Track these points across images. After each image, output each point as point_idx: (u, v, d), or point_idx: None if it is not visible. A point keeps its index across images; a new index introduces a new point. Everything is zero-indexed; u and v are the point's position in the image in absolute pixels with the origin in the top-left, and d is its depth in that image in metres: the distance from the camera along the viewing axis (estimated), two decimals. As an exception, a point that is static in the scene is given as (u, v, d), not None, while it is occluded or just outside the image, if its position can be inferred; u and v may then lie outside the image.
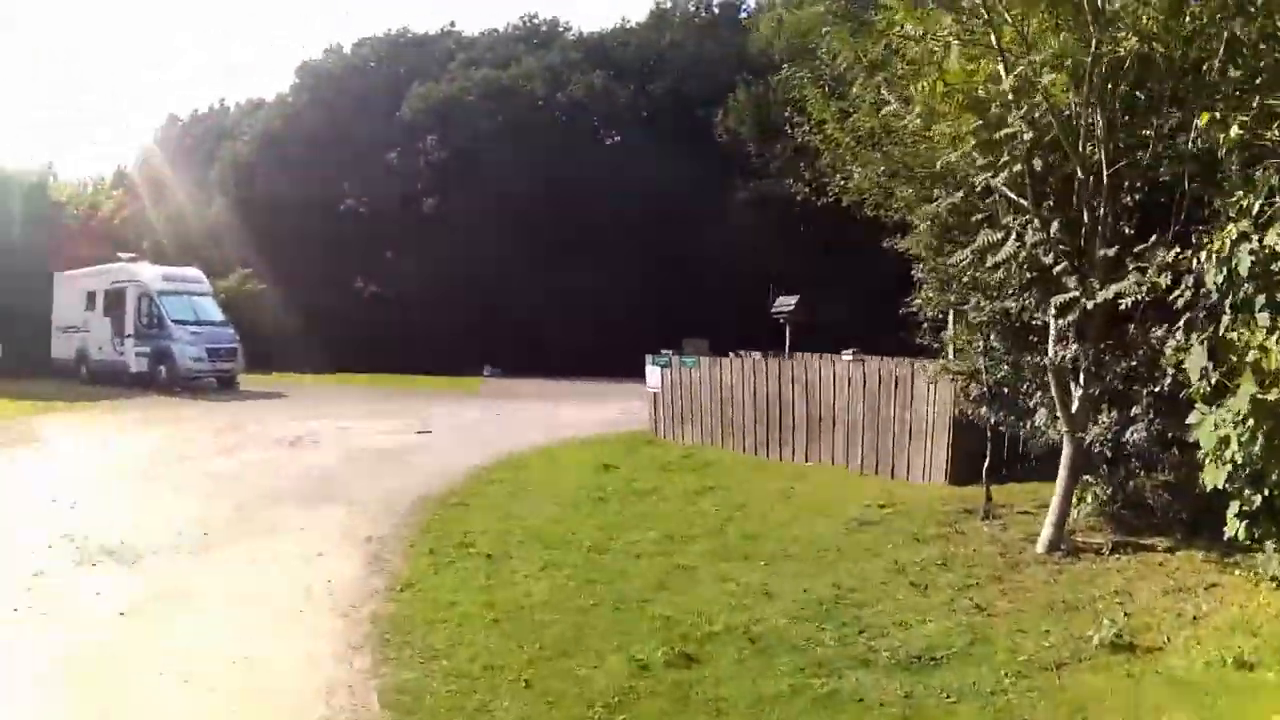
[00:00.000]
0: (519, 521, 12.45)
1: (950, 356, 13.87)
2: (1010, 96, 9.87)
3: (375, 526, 12.16)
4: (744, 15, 53.68)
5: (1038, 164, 10.24)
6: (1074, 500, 10.92)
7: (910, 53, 11.27)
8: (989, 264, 10.73)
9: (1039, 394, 11.62)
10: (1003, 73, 9.92)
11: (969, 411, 13.18)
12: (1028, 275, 10.69)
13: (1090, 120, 9.94)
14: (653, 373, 20.51)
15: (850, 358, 19.99)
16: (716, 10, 53.55)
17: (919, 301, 13.17)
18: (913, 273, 13.30)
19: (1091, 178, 10.04)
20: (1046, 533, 10.46)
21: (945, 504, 12.72)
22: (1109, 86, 9.86)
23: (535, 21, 54.75)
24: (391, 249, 45.72)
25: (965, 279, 11.79)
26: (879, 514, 12.45)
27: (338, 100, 48.46)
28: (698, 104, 47.56)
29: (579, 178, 44.91)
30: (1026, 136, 9.84)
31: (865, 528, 11.80)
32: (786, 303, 24.00)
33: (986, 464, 12.41)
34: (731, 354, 21.99)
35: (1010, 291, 11.20)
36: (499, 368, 41.28)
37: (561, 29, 54.47)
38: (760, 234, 44.05)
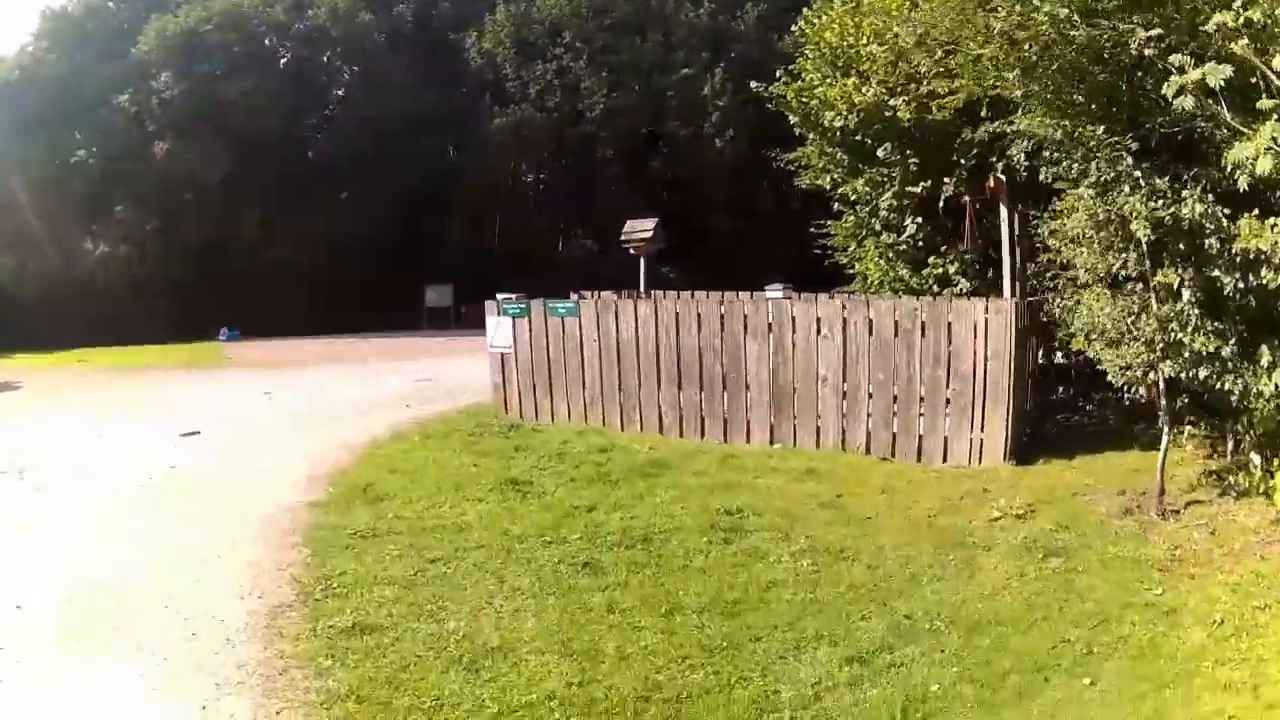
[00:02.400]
0: (515, 671, 5.49)
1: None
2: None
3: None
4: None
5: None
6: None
7: None
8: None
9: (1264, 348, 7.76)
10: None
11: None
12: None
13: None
14: (499, 326, 13.57)
15: (781, 294, 13.98)
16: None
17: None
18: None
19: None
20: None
21: (1085, 499, 8.66)
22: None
23: (280, -53, 45.94)
24: (122, 202, 38.09)
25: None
26: (1040, 532, 7.79)
27: (76, 46, 39.96)
28: (450, 26, 41.50)
29: (320, 111, 40.07)
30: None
31: (1065, 560, 7.22)
32: (641, 228, 17.53)
33: (1165, 442, 8.42)
34: (580, 295, 15.77)
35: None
36: (235, 329, 33.78)
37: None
38: (523, 164, 40.57)
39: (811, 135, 17.61)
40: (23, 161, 37.09)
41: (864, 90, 15.91)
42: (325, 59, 41.46)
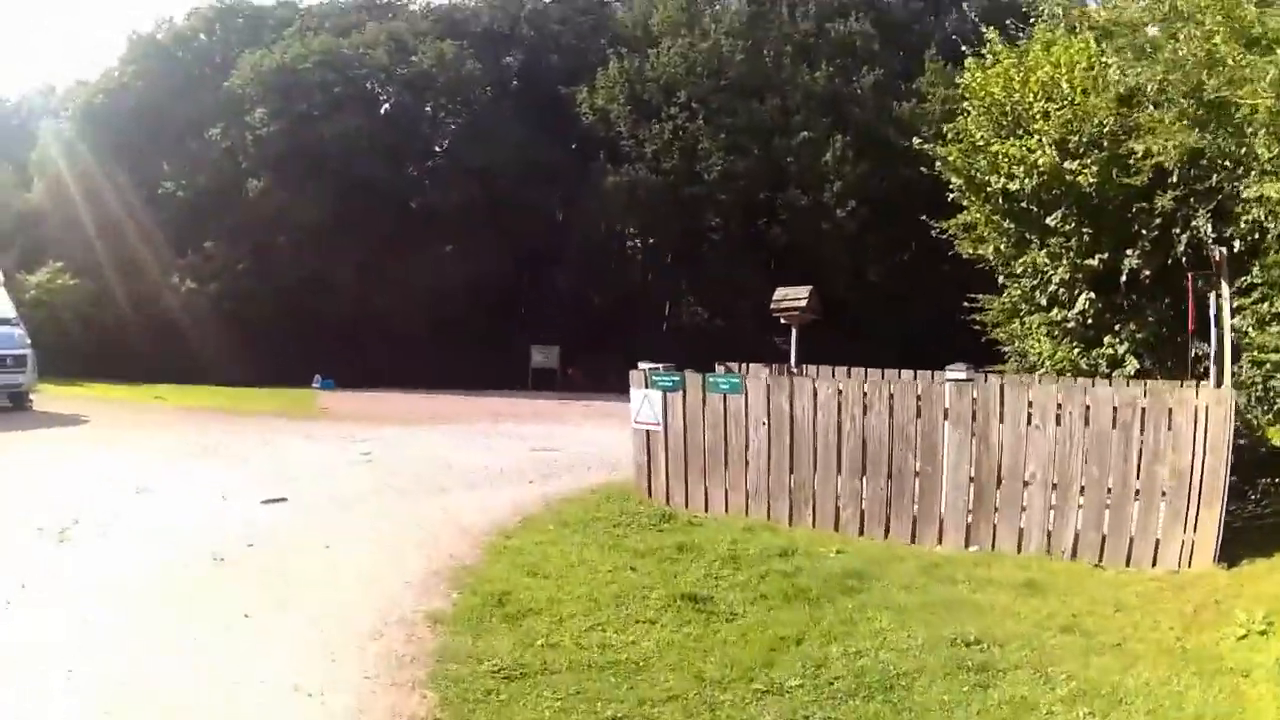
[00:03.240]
0: None
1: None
2: None
3: None
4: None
5: None
6: None
7: None
8: None
9: None
10: None
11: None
12: None
13: None
14: (648, 400, 11.60)
15: (965, 375, 12.16)
16: (582, -21, 45.05)
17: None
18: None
19: None
20: None
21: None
22: None
23: (379, -9, 45.54)
24: (213, 237, 36.93)
25: None
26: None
27: (164, 74, 39.27)
28: (559, 80, 39.92)
29: (423, 159, 39.39)
30: None
31: None
32: (794, 295, 15.66)
33: None
34: (726, 367, 14.27)
35: None
36: (330, 378, 32.53)
37: (406, 1, 45.22)
38: (633, 225, 39.28)
39: (972, 200, 16.00)
40: (108, 187, 36.35)
41: (1041, 151, 14.28)
42: (429, 107, 40.18)
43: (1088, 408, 9.12)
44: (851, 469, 10.15)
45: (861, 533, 10.05)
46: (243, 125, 36.66)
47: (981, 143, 15.27)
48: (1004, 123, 15.28)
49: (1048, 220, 14.70)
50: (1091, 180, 13.77)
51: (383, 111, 38.71)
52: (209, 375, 31.09)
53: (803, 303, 15.32)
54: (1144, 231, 13.87)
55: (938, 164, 16.37)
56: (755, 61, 37.41)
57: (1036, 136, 14.38)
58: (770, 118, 36.25)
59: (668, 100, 37.07)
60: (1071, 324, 15.03)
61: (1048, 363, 15.36)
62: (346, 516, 10.59)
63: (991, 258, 16.07)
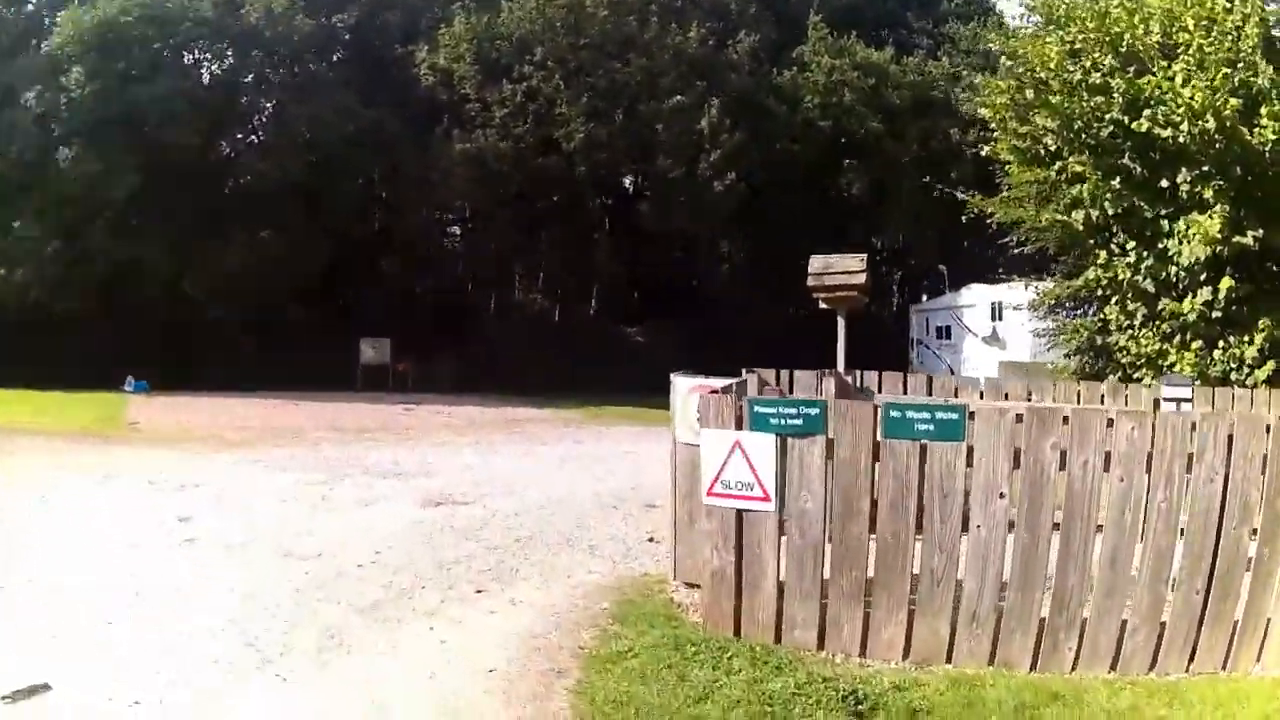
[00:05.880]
0: None
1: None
2: None
3: None
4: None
5: None
6: None
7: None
8: None
9: None
10: None
11: None
12: None
13: None
14: (743, 451, 6.30)
15: (1187, 394, 8.09)
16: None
17: None
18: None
19: None
20: None
21: None
22: None
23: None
24: (21, 216, 31.86)
25: None
26: None
27: None
28: (397, 40, 35.27)
29: (245, 127, 35.48)
30: None
31: None
32: (845, 268, 10.70)
33: None
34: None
35: None
36: (143, 379, 28.49)
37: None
38: (479, 200, 34.81)
39: (1071, 154, 11.91)
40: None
41: (1221, 95, 10.44)
42: (252, 75, 35.57)
43: None
44: (1193, 568, 5.65)
45: (1152, 667, 5.76)
46: (58, 88, 31.60)
47: (1092, 78, 11.28)
48: (1100, 57, 11.43)
49: (1166, 181, 10.95)
50: (1270, 138, 10.05)
51: (206, 75, 34.61)
52: (17, 378, 26.43)
53: (860, 278, 10.52)
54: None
55: (982, 110, 12.51)
56: (619, 19, 32.84)
57: (1189, 73, 10.64)
58: (636, 79, 31.74)
59: (521, 59, 32.43)
60: (1193, 316, 11.14)
61: (1138, 364, 11.58)
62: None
63: (1080, 227, 11.93)
